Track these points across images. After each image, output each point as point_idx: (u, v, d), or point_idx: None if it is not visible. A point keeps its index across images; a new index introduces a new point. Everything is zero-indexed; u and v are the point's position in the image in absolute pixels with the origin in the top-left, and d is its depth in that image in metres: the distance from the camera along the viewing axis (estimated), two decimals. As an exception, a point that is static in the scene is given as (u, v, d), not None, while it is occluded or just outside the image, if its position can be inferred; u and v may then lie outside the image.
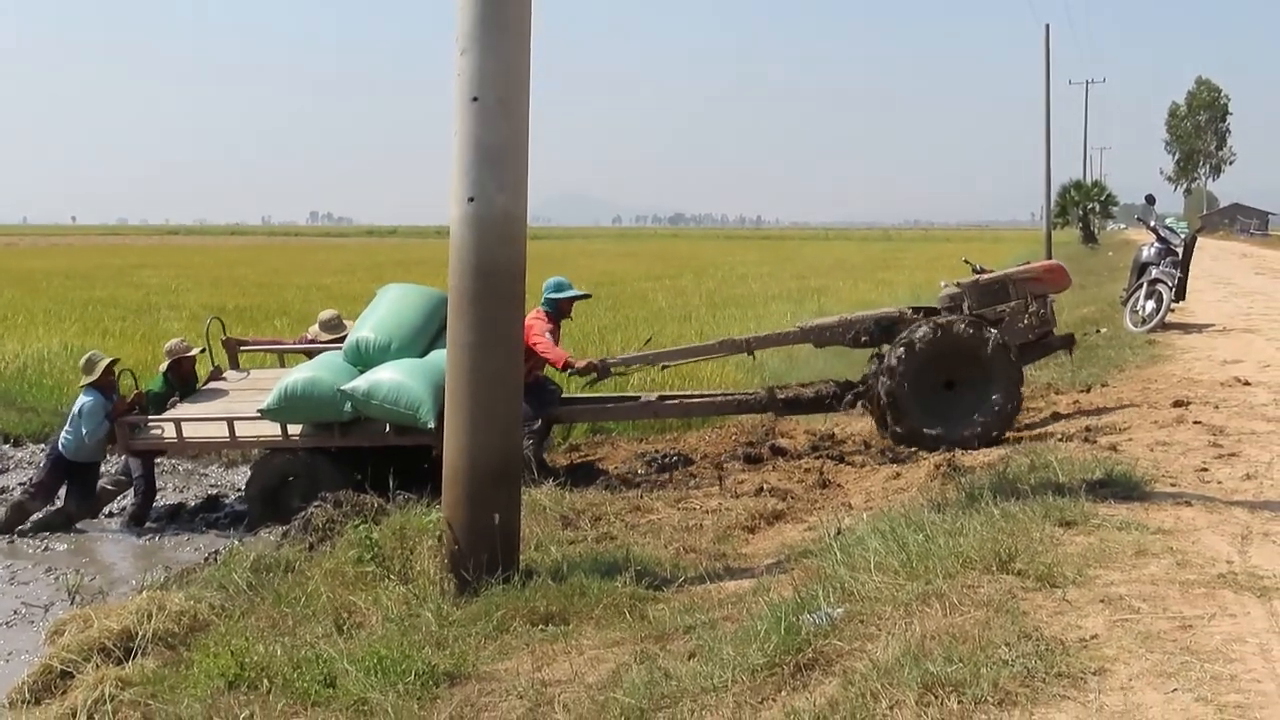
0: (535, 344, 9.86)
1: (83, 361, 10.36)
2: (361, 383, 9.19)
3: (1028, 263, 11.94)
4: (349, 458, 9.61)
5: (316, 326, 11.51)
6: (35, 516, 9.92)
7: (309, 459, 9.56)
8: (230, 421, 9.61)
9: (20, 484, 11.21)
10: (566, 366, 10.33)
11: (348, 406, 9.28)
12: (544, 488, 8.55)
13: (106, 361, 10.23)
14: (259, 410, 9.36)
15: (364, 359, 9.60)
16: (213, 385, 10.78)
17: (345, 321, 11.22)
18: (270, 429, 9.55)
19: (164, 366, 10.64)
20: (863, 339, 10.38)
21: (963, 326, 9.71)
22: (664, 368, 11.60)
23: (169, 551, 9.26)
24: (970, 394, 9.68)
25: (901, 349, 9.69)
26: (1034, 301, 10.39)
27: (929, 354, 9.63)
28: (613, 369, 10.81)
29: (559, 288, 10.52)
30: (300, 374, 9.46)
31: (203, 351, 11.08)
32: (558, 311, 10.47)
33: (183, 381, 10.67)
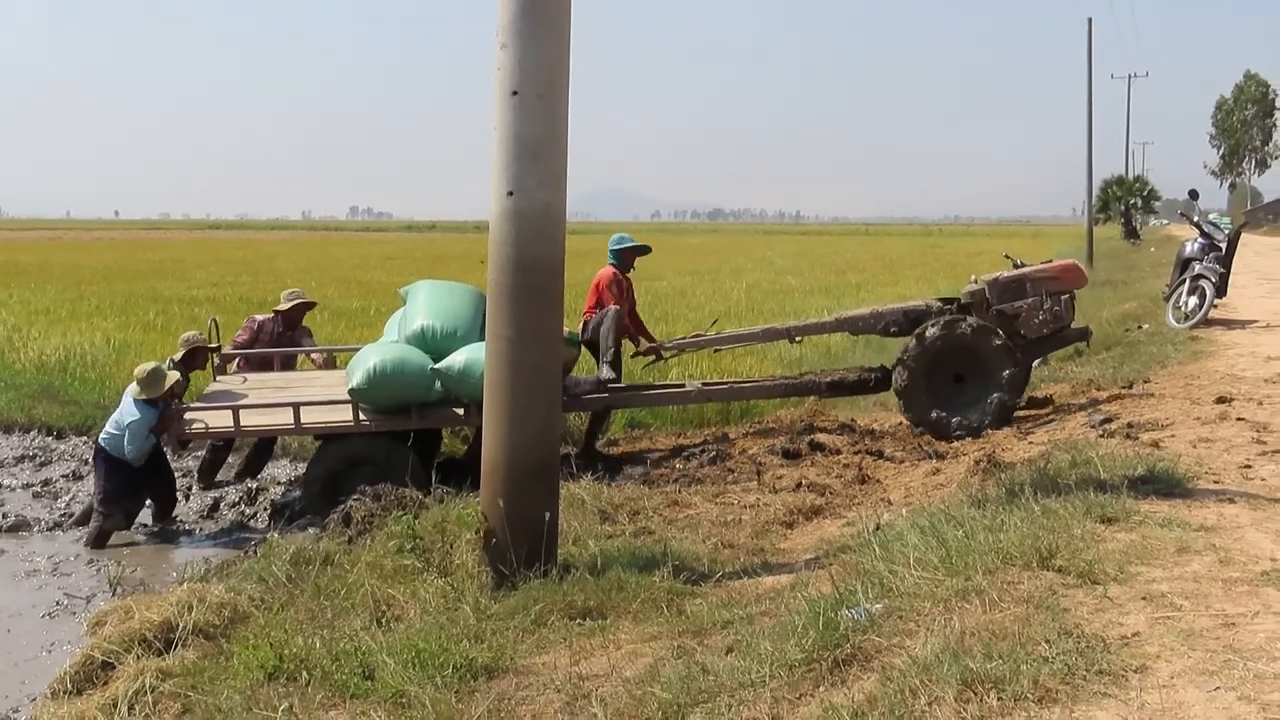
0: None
1: (146, 373, 9.46)
2: (457, 360, 9.20)
3: (1050, 261, 12.26)
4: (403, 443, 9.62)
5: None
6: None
7: (386, 444, 9.43)
8: (296, 407, 9.32)
9: (63, 476, 11.33)
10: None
11: (438, 385, 9.32)
12: (582, 482, 8.58)
13: (175, 379, 9.57)
14: (348, 390, 9.22)
15: (432, 345, 9.57)
16: (214, 389, 10.40)
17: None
18: (335, 415, 9.45)
19: (179, 355, 10.17)
20: (891, 329, 11.20)
21: (966, 327, 10.47)
22: (716, 350, 12.57)
23: (208, 544, 9.33)
24: (975, 387, 10.50)
25: (915, 343, 10.53)
26: (1050, 298, 10.99)
27: (940, 349, 10.44)
28: (665, 353, 11.76)
29: (621, 240, 11.58)
30: (387, 354, 9.35)
31: (216, 349, 10.86)
32: (622, 264, 11.34)
33: (190, 373, 10.25)
